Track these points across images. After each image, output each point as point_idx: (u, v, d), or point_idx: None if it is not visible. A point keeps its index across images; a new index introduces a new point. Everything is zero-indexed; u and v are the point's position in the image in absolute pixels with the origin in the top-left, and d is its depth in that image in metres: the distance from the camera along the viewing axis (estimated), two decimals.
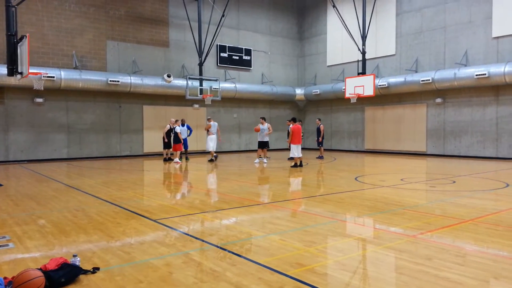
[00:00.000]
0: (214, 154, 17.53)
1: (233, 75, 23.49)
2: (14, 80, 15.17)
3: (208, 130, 17.48)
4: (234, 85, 22.80)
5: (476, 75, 17.01)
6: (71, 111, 18.67)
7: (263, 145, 16.80)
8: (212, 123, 17.47)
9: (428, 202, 8.11)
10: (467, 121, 18.46)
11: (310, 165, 15.51)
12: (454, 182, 10.72)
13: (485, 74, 16.70)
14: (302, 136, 15.82)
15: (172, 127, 17.38)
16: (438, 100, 19.29)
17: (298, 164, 14.55)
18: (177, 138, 16.98)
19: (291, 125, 15.48)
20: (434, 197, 8.64)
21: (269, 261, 4.34)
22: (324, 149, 19.59)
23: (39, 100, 17.70)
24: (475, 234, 5.43)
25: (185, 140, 17.68)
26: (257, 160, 16.67)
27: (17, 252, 4.74)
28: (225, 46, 23.26)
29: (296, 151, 14.55)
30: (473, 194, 8.83)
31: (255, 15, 24.61)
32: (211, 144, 17.32)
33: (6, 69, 11.71)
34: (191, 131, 18.45)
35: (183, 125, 17.69)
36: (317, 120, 19.49)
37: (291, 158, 15.47)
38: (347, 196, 8.54)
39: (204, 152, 21.18)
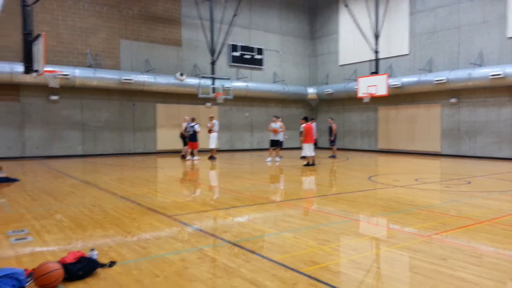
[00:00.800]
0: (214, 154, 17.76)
1: (245, 74, 23.54)
2: (30, 78, 15.38)
3: (210, 129, 17.64)
4: (246, 84, 22.85)
5: (491, 75, 16.78)
6: (85, 108, 18.90)
7: (274, 143, 16.78)
8: (214, 121, 17.61)
9: (443, 202, 8.05)
10: (482, 121, 18.23)
11: (323, 164, 15.47)
12: (469, 182, 10.61)
13: (500, 74, 16.47)
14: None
15: (188, 125, 17.33)
16: (453, 100, 19.09)
17: (311, 163, 14.53)
18: (195, 136, 17.06)
19: (303, 124, 15.45)
20: (449, 198, 8.57)
21: (283, 258, 4.36)
22: (337, 149, 19.52)
23: (54, 97, 17.96)
24: (491, 235, 5.38)
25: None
26: (269, 159, 16.68)
27: (36, 245, 4.84)
28: (237, 45, 23.31)
29: (308, 150, 14.53)
30: (489, 195, 8.73)
31: (267, 15, 24.62)
32: (214, 142, 17.58)
33: (22, 67, 11.90)
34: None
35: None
36: (329, 119, 19.43)
37: (304, 157, 15.46)
38: (360, 196, 8.52)
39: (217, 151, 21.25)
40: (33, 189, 9.16)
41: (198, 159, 17.09)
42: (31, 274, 3.59)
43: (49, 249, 4.70)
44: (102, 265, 4.02)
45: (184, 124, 17.57)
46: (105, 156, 19.04)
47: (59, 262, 3.81)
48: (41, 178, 11.13)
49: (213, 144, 17.60)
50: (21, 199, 7.94)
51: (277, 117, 17.06)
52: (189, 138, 17.13)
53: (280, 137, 16.80)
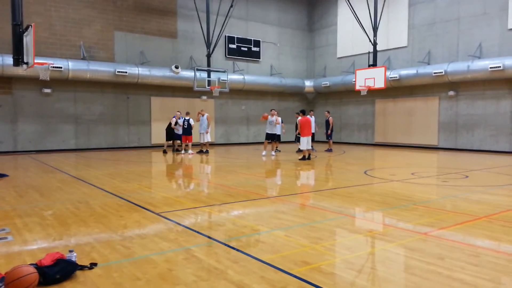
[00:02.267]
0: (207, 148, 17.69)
1: (241, 67, 23.25)
2: (22, 71, 15.09)
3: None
4: (243, 76, 22.57)
5: (490, 67, 16.56)
6: (79, 102, 18.62)
7: (271, 137, 16.52)
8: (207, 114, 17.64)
9: (440, 197, 7.87)
10: (480, 114, 18.04)
11: (319, 158, 15.28)
12: (467, 177, 10.43)
13: (500, 66, 16.25)
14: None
15: (183, 119, 17.18)
16: (451, 93, 18.88)
17: (307, 157, 14.34)
18: (189, 130, 16.96)
19: (299, 118, 15.26)
20: (446, 193, 8.38)
21: (273, 258, 4.17)
22: (333, 142, 19.32)
23: (47, 90, 17.67)
24: (489, 232, 5.20)
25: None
26: (264, 153, 16.46)
27: (15, 245, 4.63)
28: (234, 37, 23.00)
29: (305, 143, 14.32)
30: (487, 189, 8.56)
31: (264, 6, 24.27)
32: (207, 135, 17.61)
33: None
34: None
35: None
36: (326, 112, 19.19)
37: (300, 151, 15.29)
38: (356, 191, 8.33)
39: (211, 144, 21.07)
40: (21, 185, 8.94)
41: (192, 153, 16.93)
42: (3, 279, 3.38)
43: (28, 249, 4.49)
44: (82, 267, 3.82)
45: (174, 119, 17.35)
46: (99, 150, 18.80)
47: (36, 264, 3.61)
48: (31, 173, 10.90)
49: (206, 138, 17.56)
50: (7, 195, 7.72)
51: (274, 110, 16.79)
52: (184, 132, 17.02)
53: (276, 130, 16.53)
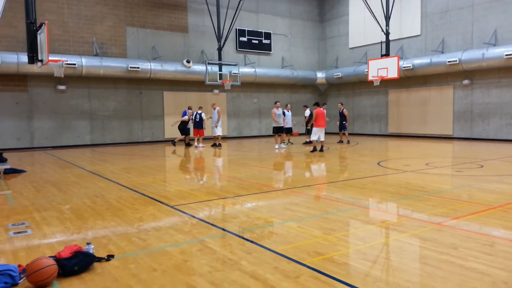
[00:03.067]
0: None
1: (252, 60, 23.21)
2: (37, 68, 15.32)
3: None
4: (254, 69, 22.54)
5: (506, 55, 16.25)
6: (93, 98, 18.86)
7: (278, 130, 16.46)
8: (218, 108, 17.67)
9: (454, 187, 7.81)
10: (496, 103, 17.74)
11: (331, 150, 15.24)
12: (482, 166, 10.31)
13: None
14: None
15: (196, 113, 17.38)
16: (466, 81, 18.59)
17: (318, 149, 14.30)
18: (201, 124, 17.11)
19: (307, 110, 15.28)
20: (460, 182, 8.32)
21: (286, 249, 4.21)
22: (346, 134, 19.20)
23: (62, 87, 17.93)
24: (504, 222, 5.16)
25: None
26: (277, 146, 16.47)
27: (35, 239, 4.76)
28: (244, 30, 22.95)
29: (316, 134, 14.24)
30: (502, 179, 8.46)
31: None
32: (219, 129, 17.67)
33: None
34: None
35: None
36: (339, 104, 18.98)
37: (308, 142, 15.27)
38: (369, 182, 8.31)
39: (224, 138, 21.18)
40: (39, 180, 9.14)
41: (203, 147, 17.06)
42: (24, 270, 3.50)
43: (47, 242, 4.62)
44: (99, 259, 3.92)
45: (186, 116, 17.53)
46: (113, 145, 19.05)
47: (54, 257, 3.72)
48: (48, 169, 11.12)
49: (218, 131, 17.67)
50: (26, 190, 7.91)
51: (279, 103, 16.70)
52: (195, 125, 17.18)
53: (282, 123, 16.40)
